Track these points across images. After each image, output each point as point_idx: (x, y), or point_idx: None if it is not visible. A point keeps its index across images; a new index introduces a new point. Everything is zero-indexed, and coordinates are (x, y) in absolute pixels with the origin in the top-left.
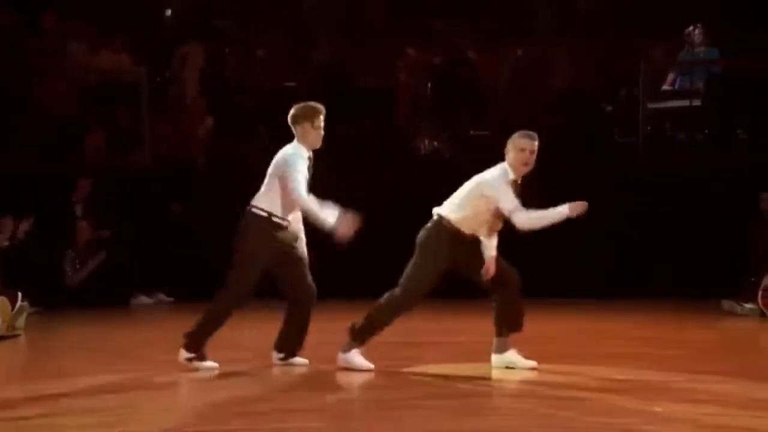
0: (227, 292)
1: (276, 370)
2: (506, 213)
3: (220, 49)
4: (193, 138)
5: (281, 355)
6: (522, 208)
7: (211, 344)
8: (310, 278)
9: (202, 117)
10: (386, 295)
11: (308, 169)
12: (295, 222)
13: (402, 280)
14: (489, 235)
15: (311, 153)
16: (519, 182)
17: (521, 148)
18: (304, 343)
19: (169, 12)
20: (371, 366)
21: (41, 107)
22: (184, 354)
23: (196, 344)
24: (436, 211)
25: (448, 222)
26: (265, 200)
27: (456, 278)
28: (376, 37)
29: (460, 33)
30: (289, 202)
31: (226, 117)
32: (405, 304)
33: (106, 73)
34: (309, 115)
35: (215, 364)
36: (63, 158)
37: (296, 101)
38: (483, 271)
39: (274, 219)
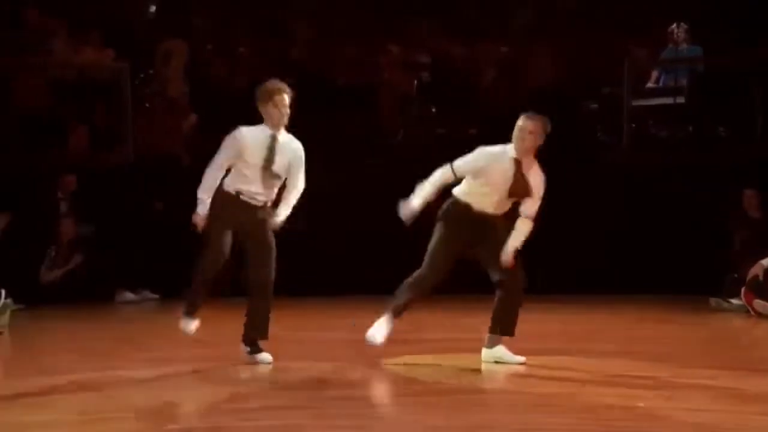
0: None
1: (262, 368)
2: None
3: (202, 45)
4: (176, 135)
5: (249, 349)
6: (450, 167)
7: (193, 341)
8: (269, 267)
9: (185, 114)
10: (413, 275)
11: (268, 148)
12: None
13: (425, 259)
14: (496, 210)
15: (278, 131)
16: (521, 162)
17: (517, 127)
18: (267, 334)
19: (153, 9)
20: (379, 342)
21: (22, 103)
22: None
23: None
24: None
25: (458, 198)
26: (229, 178)
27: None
28: (358, 35)
29: (442, 31)
30: (247, 175)
31: (209, 114)
32: (429, 278)
33: (88, 69)
34: (267, 95)
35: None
36: (46, 155)
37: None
38: (502, 260)
39: (242, 197)
